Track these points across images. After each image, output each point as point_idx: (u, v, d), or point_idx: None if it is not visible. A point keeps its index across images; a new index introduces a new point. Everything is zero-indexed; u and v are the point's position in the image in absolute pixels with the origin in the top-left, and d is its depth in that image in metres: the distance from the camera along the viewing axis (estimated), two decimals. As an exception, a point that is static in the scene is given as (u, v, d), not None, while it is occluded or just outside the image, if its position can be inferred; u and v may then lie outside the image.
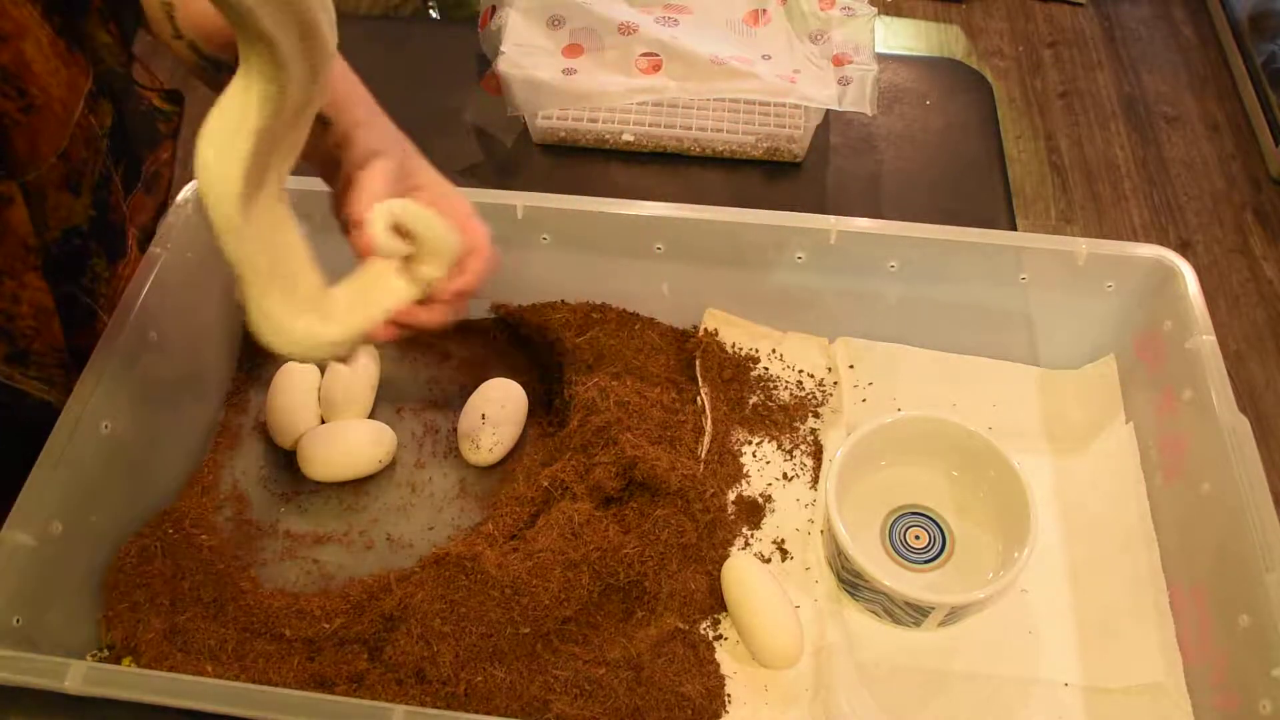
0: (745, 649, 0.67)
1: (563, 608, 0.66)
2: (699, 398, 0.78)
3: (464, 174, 0.97)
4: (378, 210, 0.58)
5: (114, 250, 0.72)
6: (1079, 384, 0.80)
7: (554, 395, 0.80)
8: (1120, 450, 0.75)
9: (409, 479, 0.78)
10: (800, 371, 0.82)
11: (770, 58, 0.92)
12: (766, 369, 0.81)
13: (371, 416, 0.81)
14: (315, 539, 0.74)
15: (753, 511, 0.74)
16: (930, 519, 0.72)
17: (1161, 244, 0.76)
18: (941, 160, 0.99)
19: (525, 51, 0.92)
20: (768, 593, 0.67)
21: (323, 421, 0.79)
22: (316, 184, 0.78)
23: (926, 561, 0.70)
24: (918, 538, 0.71)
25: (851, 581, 0.68)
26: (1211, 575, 0.64)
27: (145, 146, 0.76)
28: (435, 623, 0.64)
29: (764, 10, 0.95)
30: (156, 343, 0.73)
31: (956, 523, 0.72)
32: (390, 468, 0.78)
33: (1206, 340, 0.68)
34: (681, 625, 0.67)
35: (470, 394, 0.79)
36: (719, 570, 0.70)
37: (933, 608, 0.64)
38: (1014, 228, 0.90)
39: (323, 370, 0.81)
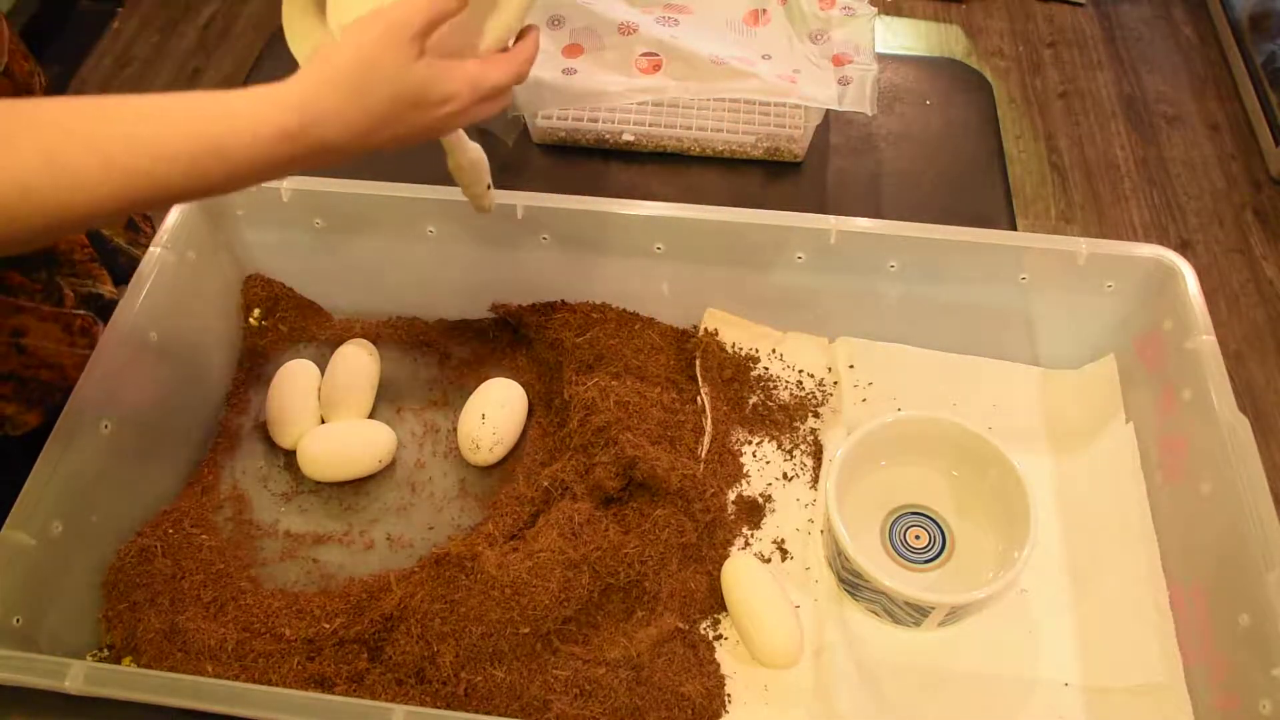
0: (745, 649, 0.67)
1: (563, 608, 0.66)
2: (699, 398, 0.78)
3: (464, 174, 0.97)
4: None
5: None
6: (1079, 384, 0.80)
7: (554, 395, 0.80)
8: (1120, 450, 0.75)
9: (409, 479, 0.78)
10: (800, 371, 0.82)
11: (770, 58, 0.92)
12: (766, 369, 0.81)
13: (371, 416, 0.81)
14: (315, 539, 0.74)
15: (753, 511, 0.74)
16: (930, 519, 0.72)
17: (1161, 244, 0.76)
18: (941, 160, 0.99)
19: (525, 51, 0.92)
20: (768, 593, 0.67)
21: (323, 421, 0.79)
22: (322, 184, 0.78)
23: (926, 561, 0.70)
24: (918, 538, 0.71)
25: (851, 581, 0.67)
26: (1211, 575, 0.64)
27: None
28: (435, 623, 0.64)
29: (764, 10, 0.95)
30: (156, 343, 0.73)
31: (956, 523, 0.72)
32: (390, 468, 0.78)
33: (1206, 340, 0.68)
34: (681, 625, 0.67)
35: (470, 394, 0.79)
36: (719, 570, 0.70)
37: (933, 608, 0.64)
38: (1014, 228, 0.90)
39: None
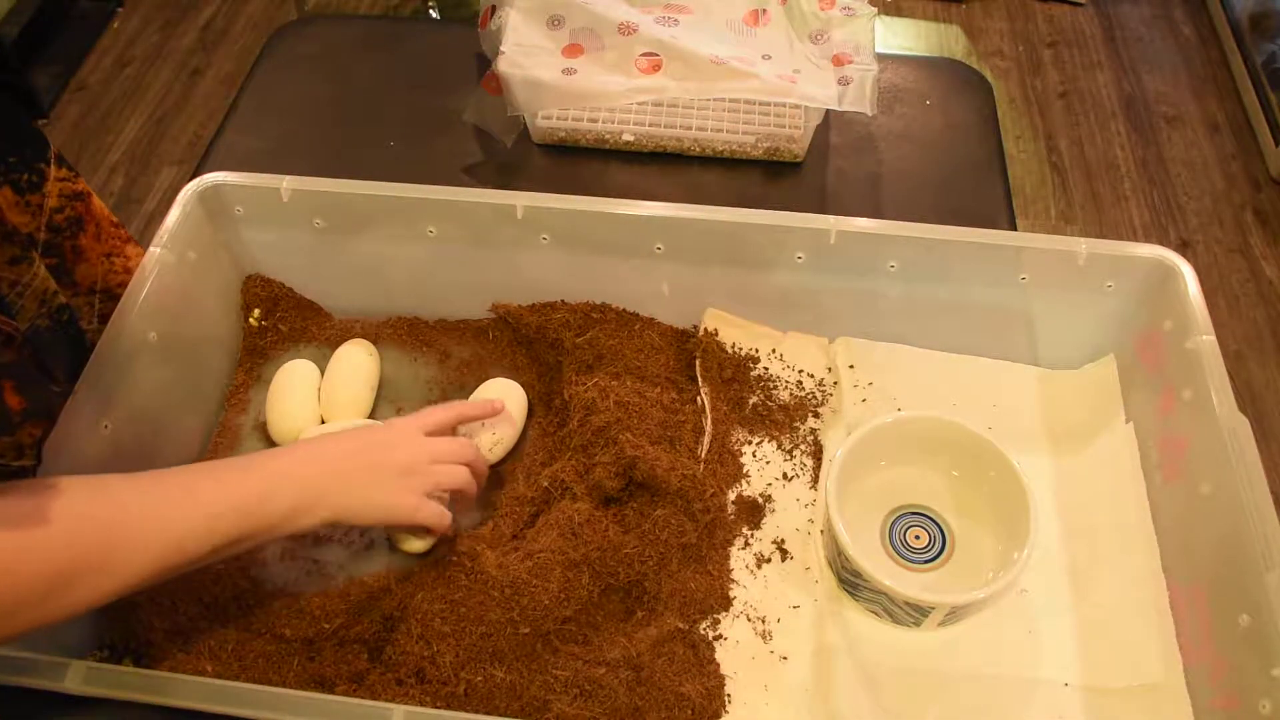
0: (745, 649, 0.67)
1: (563, 608, 0.66)
2: (699, 398, 0.78)
3: (464, 174, 0.97)
4: None
5: None
6: (1079, 384, 0.80)
7: (554, 395, 0.80)
8: (1120, 450, 0.75)
9: (409, 479, 0.78)
10: (800, 371, 0.82)
11: (770, 58, 0.92)
12: (766, 369, 0.81)
13: (371, 416, 0.81)
14: (315, 539, 0.74)
15: (753, 511, 0.74)
16: (930, 519, 0.72)
17: (1161, 244, 0.76)
18: (941, 160, 0.98)
19: (525, 51, 0.92)
20: None
21: (323, 421, 0.79)
22: (322, 184, 0.78)
23: (926, 561, 0.70)
24: (918, 538, 0.71)
25: (851, 581, 0.68)
26: (1211, 575, 0.64)
27: None
28: (435, 623, 0.64)
29: (764, 10, 0.95)
30: (156, 343, 0.73)
31: (956, 523, 0.72)
32: (390, 468, 0.78)
33: (1206, 340, 0.68)
34: (681, 625, 0.67)
35: (470, 394, 0.79)
36: (719, 570, 0.70)
37: (933, 608, 0.64)
38: (1014, 228, 0.90)
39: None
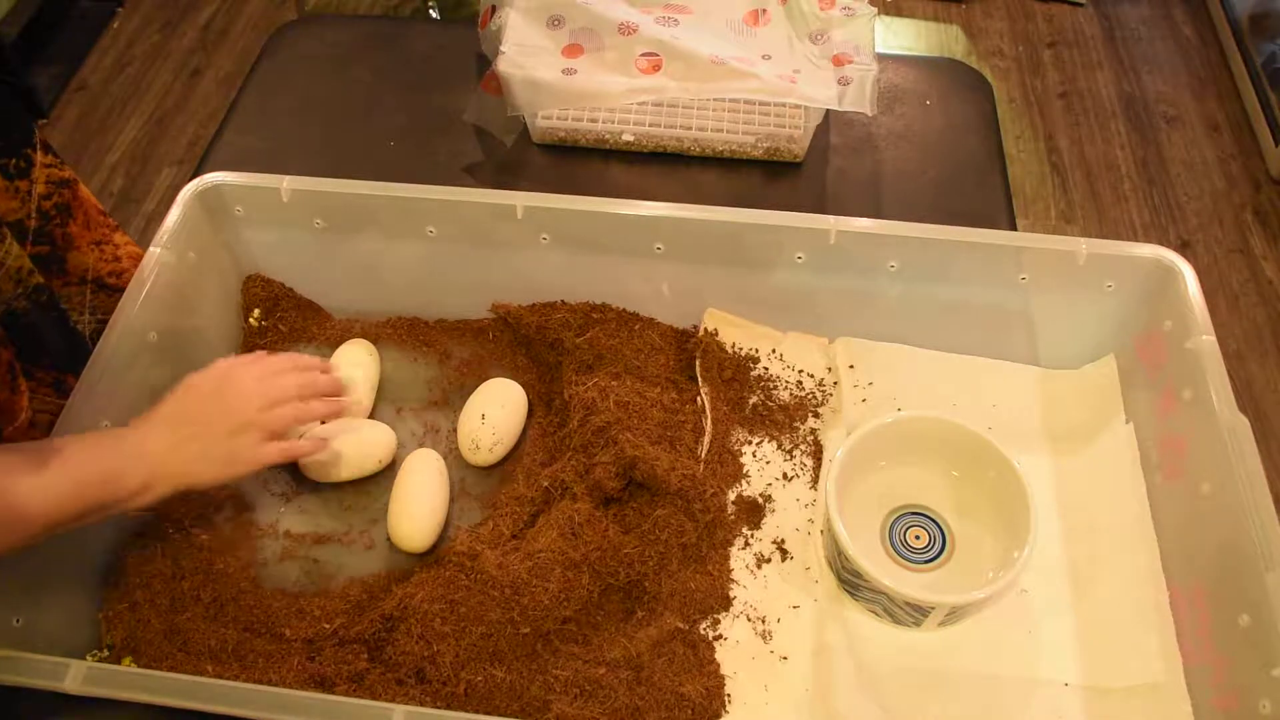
0: (745, 649, 0.67)
1: (563, 608, 0.66)
2: (699, 398, 0.78)
3: (464, 174, 0.97)
4: None
5: None
6: (1079, 384, 0.80)
7: (554, 395, 0.80)
8: (1120, 450, 0.75)
9: (409, 479, 0.78)
10: (800, 371, 0.82)
11: (770, 58, 0.92)
12: (766, 369, 0.81)
13: (371, 416, 0.81)
14: (315, 539, 0.74)
15: (753, 511, 0.74)
16: (930, 519, 0.72)
17: (1161, 244, 0.76)
18: (941, 160, 0.98)
19: (525, 51, 0.92)
20: (424, 483, 0.73)
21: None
22: (322, 184, 0.78)
23: (926, 561, 0.70)
24: (918, 538, 0.71)
25: (851, 581, 0.68)
26: (1211, 575, 0.64)
27: None
28: (435, 623, 0.64)
29: (764, 10, 0.95)
30: (156, 343, 0.73)
31: (956, 523, 0.72)
32: (390, 468, 0.78)
33: (1206, 340, 0.68)
34: (681, 625, 0.67)
35: (470, 394, 0.79)
36: (719, 570, 0.70)
37: (933, 608, 0.64)
38: (1014, 228, 0.90)
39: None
